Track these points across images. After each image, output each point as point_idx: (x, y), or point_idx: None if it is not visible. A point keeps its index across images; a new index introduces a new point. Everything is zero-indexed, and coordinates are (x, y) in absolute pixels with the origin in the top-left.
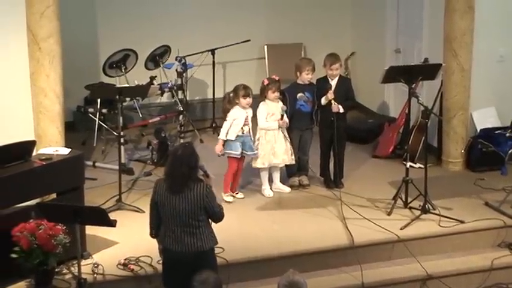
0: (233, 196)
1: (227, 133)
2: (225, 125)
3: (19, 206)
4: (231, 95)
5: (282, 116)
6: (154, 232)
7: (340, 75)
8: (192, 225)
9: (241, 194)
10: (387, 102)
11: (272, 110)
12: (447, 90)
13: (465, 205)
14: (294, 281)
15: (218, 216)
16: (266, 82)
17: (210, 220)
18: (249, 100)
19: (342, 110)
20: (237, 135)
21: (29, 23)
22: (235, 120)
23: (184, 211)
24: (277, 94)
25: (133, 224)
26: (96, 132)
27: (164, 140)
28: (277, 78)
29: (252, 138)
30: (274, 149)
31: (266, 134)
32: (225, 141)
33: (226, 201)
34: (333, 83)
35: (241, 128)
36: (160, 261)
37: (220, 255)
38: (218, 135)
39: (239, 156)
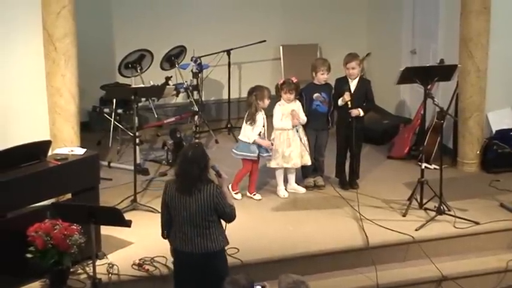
0: (251, 197)
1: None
2: (249, 128)
3: (34, 206)
4: (255, 95)
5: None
6: (166, 233)
7: (361, 77)
8: (202, 226)
9: (259, 196)
10: (403, 103)
11: (287, 111)
12: (463, 91)
13: (480, 206)
14: (297, 280)
15: (229, 217)
16: (280, 82)
17: (221, 221)
18: (269, 100)
19: (362, 114)
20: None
21: (44, 23)
22: (256, 123)
23: (194, 212)
24: (289, 96)
25: (148, 224)
26: (111, 132)
27: (179, 141)
28: (294, 80)
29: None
30: (288, 152)
31: (281, 135)
32: (242, 143)
33: (234, 199)
34: (353, 84)
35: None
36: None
37: (235, 255)
38: (234, 135)
39: (255, 158)
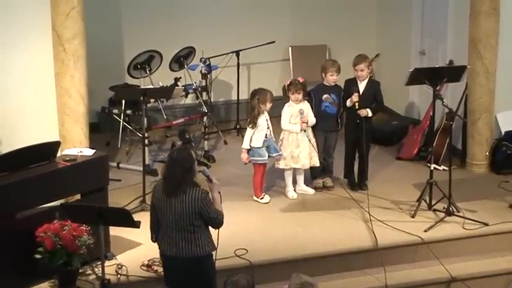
0: (262, 198)
1: (250, 141)
2: (248, 134)
3: (43, 206)
4: (258, 99)
5: (303, 118)
6: (155, 236)
7: (370, 78)
8: (187, 230)
9: (268, 197)
10: (412, 104)
11: (296, 112)
12: (472, 93)
13: (489, 207)
14: (305, 282)
15: (215, 223)
16: (287, 83)
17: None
18: (272, 104)
19: (370, 114)
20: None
21: (54, 23)
22: (259, 127)
23: (179, 215)
24: (297, 96)
25: None
26: (120, 133)
27: (188, 142)
28: (301, 80)
29: (275, 139)
30: (296, 152)
31: (289, 136)
32: (249, 149)
33: (264, 203)
34: (362, 85)
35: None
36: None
37: (243, 256)
38: (243, 136)
39: (267, 161)
